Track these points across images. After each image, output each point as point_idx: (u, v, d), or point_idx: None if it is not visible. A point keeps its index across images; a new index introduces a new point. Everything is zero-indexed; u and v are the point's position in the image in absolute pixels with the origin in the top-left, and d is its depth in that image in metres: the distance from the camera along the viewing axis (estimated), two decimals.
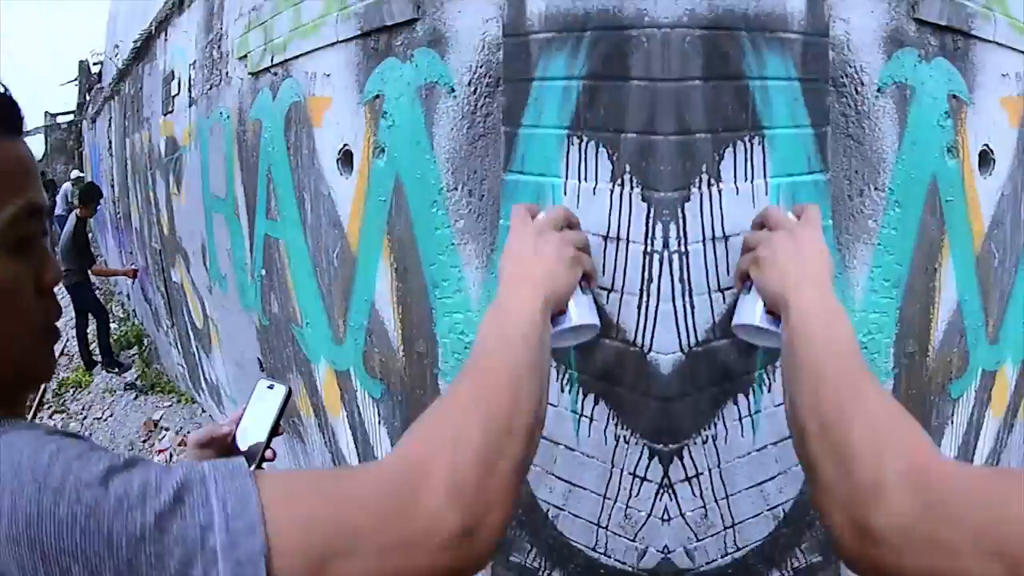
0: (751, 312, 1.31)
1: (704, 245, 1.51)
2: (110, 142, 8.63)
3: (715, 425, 1.60)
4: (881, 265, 1.83)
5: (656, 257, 1.48)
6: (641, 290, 1.51)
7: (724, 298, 1.55)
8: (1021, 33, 2.05)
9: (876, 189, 1.78)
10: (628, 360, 1.56)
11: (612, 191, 1.52)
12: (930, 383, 2.03)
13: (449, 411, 0.89)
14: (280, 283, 2.90)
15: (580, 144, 1.56)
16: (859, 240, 1.80)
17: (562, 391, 1.71)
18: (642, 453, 1.60)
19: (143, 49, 5.96)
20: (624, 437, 1.63)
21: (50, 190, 17.19)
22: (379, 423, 2.50)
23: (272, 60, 2.87)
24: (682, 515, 1.61)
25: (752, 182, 1.56)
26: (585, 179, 1.56)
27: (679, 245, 1.48)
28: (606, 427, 1.65)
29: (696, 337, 1.53)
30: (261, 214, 3.00)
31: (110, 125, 8.66)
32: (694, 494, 1.61)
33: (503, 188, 1.73)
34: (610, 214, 1.53)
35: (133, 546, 0.61)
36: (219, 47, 3.71)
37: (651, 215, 1.48)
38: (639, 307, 1.52)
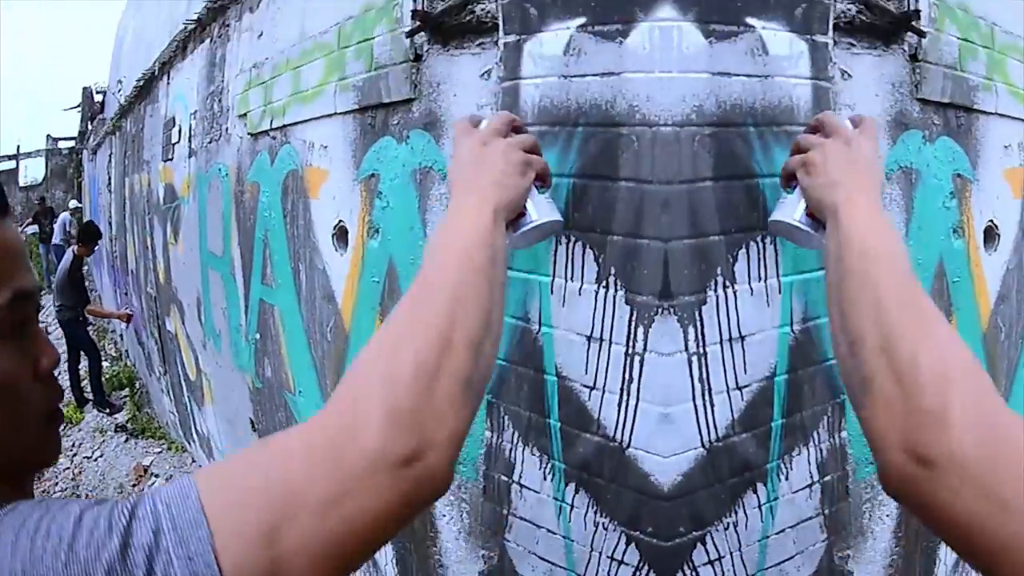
0: (791, 211, 1.25)
1: (721, 346, 1.54)
2: (110, 178, 8.64)
3: (736, 512, 1.63)
4: None
5: (637, 359, 1.50)
6: (622, 389, 1.53)
7: (742, 396, 1.58)
8: (1022, 101, 2.08)
9: None
10: (607, 455, 1.59)
11: (597, 292, 1.54)
12: None
13: (380, 345, 0.83)
14: (274, 349, 2.90)
15: (568, 243, 1.59)
16: None
17: (545, 479, 1.72)
18: (619, 539, 1.63)
19: (145, 88, 5.97)
20: (603, 524, 1.65)
21: (48, 217, 17.22)
22: None
23: (271, 124, 2.89)
24: None
25: (766, 282, 1.58)
26: (571, 279, 1.58)
27: (697, 347, 1.51)
28: (586, 515, 1.67)
29: (717, 433, 1.56)
30: (257, 278, 3.02)
31: (110, 161, 8.67)
32: (715, 573, 1.64)
33: None
34: (594, 315, 1.55)
35: (106, 570, 0.62)
36: (220, 101, 3.73)
37: (633, 317, 1.50)
38: (619, 405, 1.55)
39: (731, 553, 1.64)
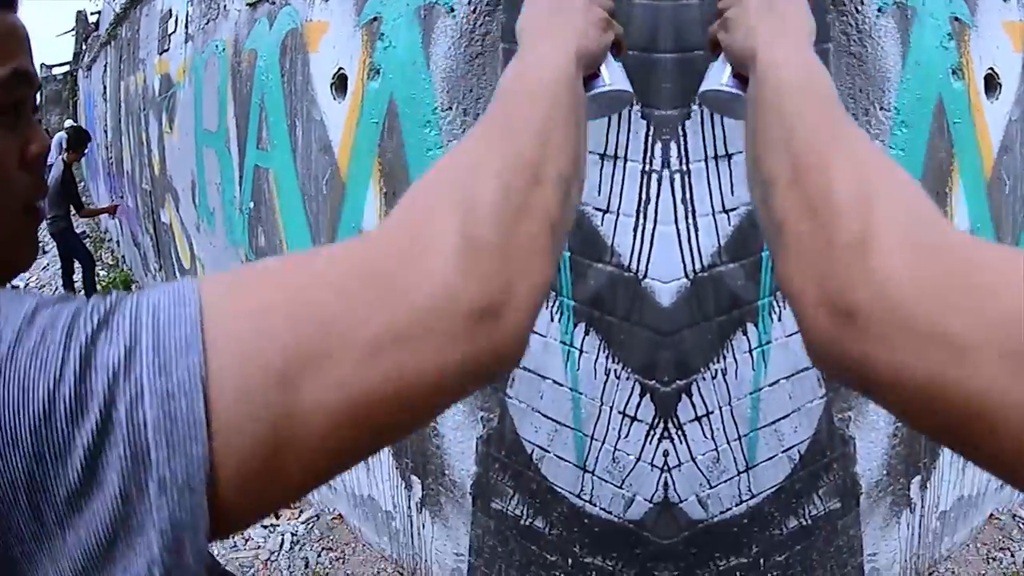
0: (718, 77, 1.18)
1: (707, 164, 1.47)
2: (105, 87, 8.53)
3: (724, 359, 1.54)
4: None
5: (655, 177, 1.44)
6: (638, 211, 1.47)
7: (729, 220, 1.51)
8: None
9: (882, 109, 1.74)
10: (622, 286, 1.53)
11: None
12: None
13: (459, 160, 0.67)
14: (268, 215, 2.85)
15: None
16: None
17: (552, 319, 1.66)
18: (632, 390, 1.56)
19: None
20: (615, 372, 1.58)
21: None
22: None
23: None
24: (693, 460, 1.55)
25: None
26: None
27: (680, 164, 1.44)
28: (596, 360, 1.60)
29: (702, 262, 1.49)
30: (252, 145, 2.95)
31: (105, 71, 8.57)
32: (705, 435, 1.56)
33: None
34: (608, 132, 1.49)
35: (50, 389, 0.45)
36: None
37: (650, 133, 1.43)
38: (635, 230, 1.48)
39: (720, 407, 1.56)
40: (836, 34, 1.66)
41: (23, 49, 0.76)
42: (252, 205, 2.97)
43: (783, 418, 1.69)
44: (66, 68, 21.17)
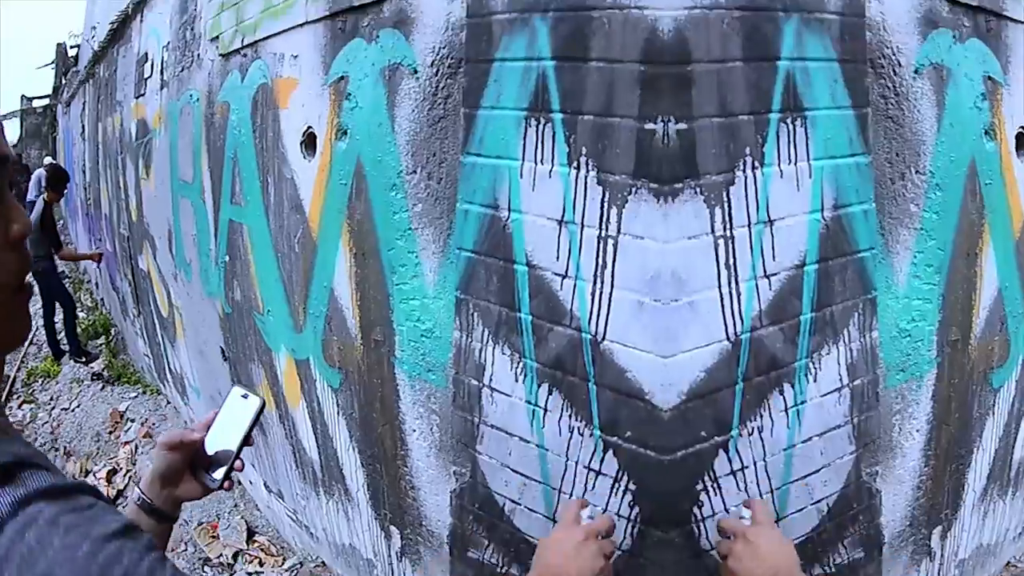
0: None
1: (749, 230, 1.48)
2: (83, 126, 8.51)
3: (760, 417, 1.57)
4: (923, 250, 1.80)
5: (610, 243, 1.46)
6: (595, 276, 1.48)
7: (770, 284, 1.53)
8: None
9: (917, 172, 1.76)
10: (580, 349, 1.54)
11: (568, 174, 1.49)
12: (972, 372, 2.01)
13: None
14: (243, 269, 2.85)
15: (537, 126, 1.54)
16: (901, 224, 1.77)
17: (516, 380, 1.68)
18: (596, 447, 1.58)
19: (119, 31, 5.86)
20: (579, 429, 1.60)
21: (24, 175, 16.99)
22: (338, 414, 2.46)
23: (243, 41, 2.82)
24: (726, 510, 1.59)
25: (796, 165, 1.53)
26: (541, 161, 1.53)
27: (724, 230, 1.45)
28: (560, 419, 1.62)
29: (743, 324, 1.50)
30: (226, 199, 2.96)
31: (84, 109, 8.54)
32: (739, 488, 1.59)
33: (461, 170, 1.70)
34: (564, 198, 1.50)
35: None
36: (192, 28, 3.64)
37: (606, 199, 1.45)
38: (592, 294, 1.50)
39: (755, 463, 1.59)
40: (875, 98, 1.68)
41: None
42: (227, 259, 2.97)
43: (814, 473, 1.71)
44: (46, 101, 21.16)
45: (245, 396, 1.17)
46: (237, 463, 1.14)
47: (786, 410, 1.60)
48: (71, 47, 14.72)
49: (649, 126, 1.42)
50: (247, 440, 1.15)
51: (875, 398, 1.79)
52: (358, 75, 2.03)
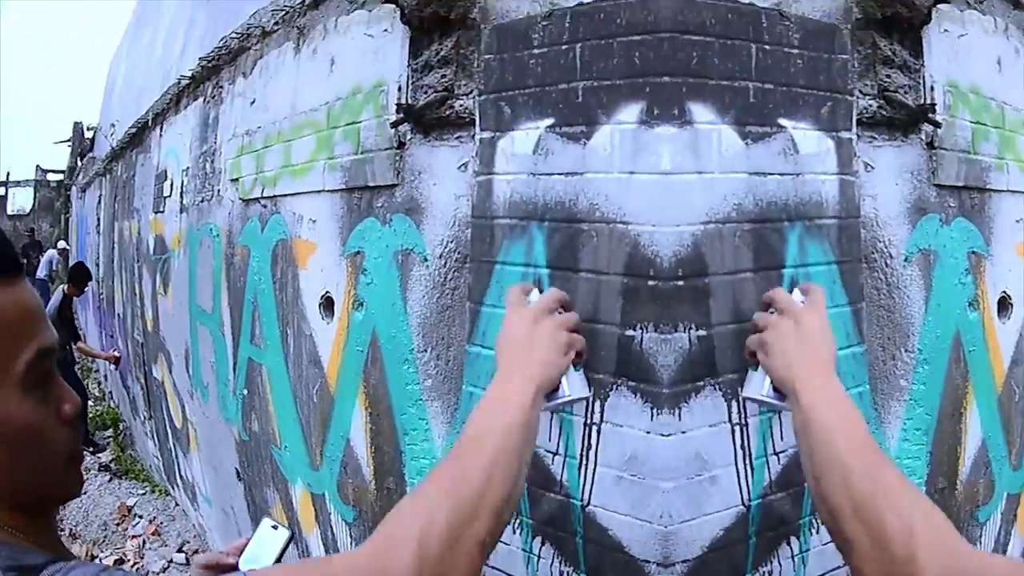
0: (759, 387, 1.43)
1: (759, 417, 1.72)
2: (99, 219, 8.69)
3: (771, 562, 1.79)
4: (912, 417, 2.00)
5: (594, 429, 1.70)
6: (581, 455, 1.72)
7: (779, 460, 1.76)
8: None
9: (906, 351, 1.95)
10: (568, 511, 1.75)
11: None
12: (959, 512, 2.17)
13: (423, 495, 1.08)
14: (261, 405, 3.04)
15: None
16: (892, 398, 1.97)
17: (514, 533, 1.89)
18: None
19: (137, 136, 6.00)
20: (567, 573, 1.80)
21: (36, 250, 17.25)
22: (351, 544, 2.62)
23: (263, 192, 3.04)
24: None
25: None
26: None
27: (740, 419, 1.70)
28: (552, 564, 1.83)
29: (755, 492, 1.73)
30: (246, 338, 3.16)
31: (99, 203, 8.71)
32: None
33: (467, 357, 1.92)
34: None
35: None
36: (212, 162, 3.85)
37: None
38: (579, 468, 1.73)
39: None
40: (868, 291, 1.85)
41: (41, 322, 0.89)
42: (246, 392, 3.16)
43: None
44: (60, 177, 21.50)
45: (275, 527, 1.30)
46: None
47: (792, 557, 1.81)
48: (88, 128, 15.06)
49: (629, 332, 1.64)
50: None
51: None
52: (373, 253, 2.25)
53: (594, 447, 1.71)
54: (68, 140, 18.58)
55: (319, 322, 2.53)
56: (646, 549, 1.63)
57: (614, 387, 1.66)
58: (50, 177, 23.20)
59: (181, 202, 4.42)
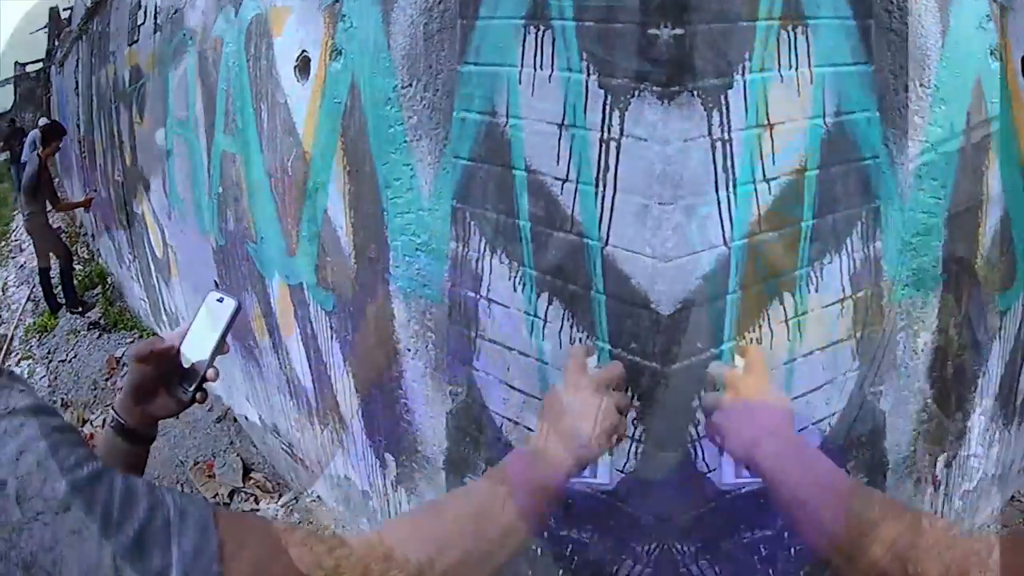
0: (731, 473, 1.35)
1: (747, 133, 1.45)
2: (77, 82, 8.53)
3: (759, 327, 1.54)
4: (928, 163, 1.79)
5: (613, 145, 1.42)
6: (597, 180, 1.45)
7: (770, 189, 1.50)
8: None
9: (921, 85, 1.76)
10: (581, 255, 1.50)
11: (568, 79, 1.48)
12: (979, 292, 2.01)
13: (387, 539, 0.93)
14: (235, 198, 2.88)
15: (537, 32, 1.53)
16: (906, 136, 1.76)
17: (515, 290, 1.64)
18: (600, 357, 1.52)
19: None
20: (580, 340, 1.54)
21: (18, 138, 16.91)
22: (332, 337, 2.48)
23: None
24: None
25: (797, 70, 1.50)
26: (540, 67, 1.53)
27: (722, 133, 1.42)
28: (560, 330, 1.58)
29: (740, 229, 1.46)
30: (219, 130, 2.98)
31: (77, 65, 8.57)
32: None
33: (458, 79, 1.71)
34: (565, 102, 1.48)
35: None
36: None
37: (608, 102, 1.42)
38: (596, 197, 1.45)
39: None
40: (878, 11, 1.66)
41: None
42: (220, 190, 3.00)
43: (816, 389, 1.69)
44: (40, 65, 21.00)
45: (221, 300, 1.09)
46: (210, 372, 1.08)
47: (786, 321, 1.58)
48: (64, 10, 14.62)
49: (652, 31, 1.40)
50: (221, 347, 1.08)
51: (879, 312, 1.77)
52: None
53: (612, 168, 1.43)
54: (45, 27, 18.02)
55: (294, 86, 2.32)
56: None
57: (635, 94, 1.41)
58: (29, 69, 22.58)
59: (155, 23, 4.24)
